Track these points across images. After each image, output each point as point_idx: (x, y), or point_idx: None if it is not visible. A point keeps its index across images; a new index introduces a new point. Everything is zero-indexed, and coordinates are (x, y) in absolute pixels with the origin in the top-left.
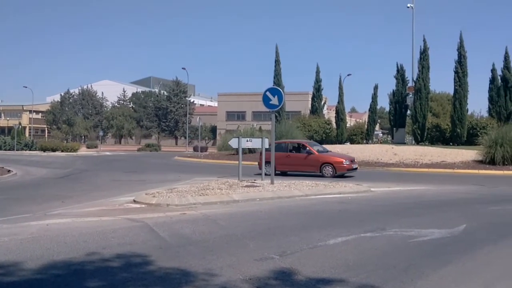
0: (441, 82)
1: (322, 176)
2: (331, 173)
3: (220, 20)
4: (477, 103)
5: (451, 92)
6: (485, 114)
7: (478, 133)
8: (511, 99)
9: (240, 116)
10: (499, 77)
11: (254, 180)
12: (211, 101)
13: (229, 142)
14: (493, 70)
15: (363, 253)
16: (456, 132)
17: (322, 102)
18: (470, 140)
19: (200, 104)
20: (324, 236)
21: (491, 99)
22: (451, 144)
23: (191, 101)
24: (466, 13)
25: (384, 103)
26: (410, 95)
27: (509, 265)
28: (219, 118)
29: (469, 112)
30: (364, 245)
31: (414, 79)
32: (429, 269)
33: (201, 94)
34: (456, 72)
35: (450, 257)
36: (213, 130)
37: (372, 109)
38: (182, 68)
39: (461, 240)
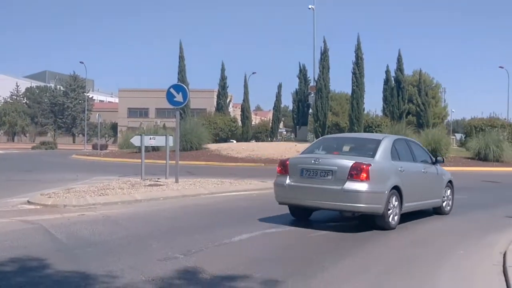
0: (341, 82)
1: None
2: None
3: (121, 13)
4: (373, 103)
5: (350, 92)
6: (380, 113)
7: (374, 131)
8: (403, 99)
9: (143, 113)
10: (392, 79)
11: (158, 178)
12: (112, 97)
13: (131, 140)
14: (387, 72)
15: (267, 248)
16: (354, 130)
17: (228, 100)
18: None
19: (100, 100)
20: (229, 233)
21: (385, 99)
22: None
23: (90, 96)
24: (364, 17)
25: (288, 102)
26: (312, 94)
27: (401, 256)
28: (120, 115)
29: (365, 111)
30: (268, 241)
31: (316, 79)
32: (328, 262)
33: (101, 90)
34: (353, 73)
35: (349, 249)
36: (114, 127)
37: (277, 108)
38: (80, 62)
39: (359, 233)
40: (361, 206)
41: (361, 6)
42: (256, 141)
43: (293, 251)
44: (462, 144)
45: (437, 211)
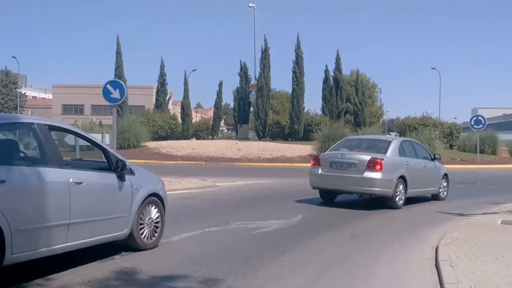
0: (282, 81)
1: None
2: None
3: (56, 6)
4: (313, 102)
5: (290, 90)
6: (319, 112)
7: (313, 129)
8: (342, 98)
9: (78, 109)
10: (331, 78)
11: None
12: (45, 93)
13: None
14: (326, 71)
15: (207, 247)
16: (294, 128)
17: (167, 97)
18: (306, 136)
19: (33, 96)
20: (168, 233)
21: (324, 98)
22: (289, 139)
23: (23, 92)
24: (304, 17)
25: (229, 100)
26: (253, 93)
27: (340, 252)
28: (54, 112)
29: (305, 110)
30: (208, 240)
31: (257, 77)
32: (268, 259)
33: (34, 86)
34: (294, 72)
35: (288, 246)
36: None
37: (218, 105)
38: (12, 57)
39: (298, 229)
40: (376, 189)
41: (301, 6)
42: (197, 139)
43: (234, 249)
44: None
45: (435, 197)
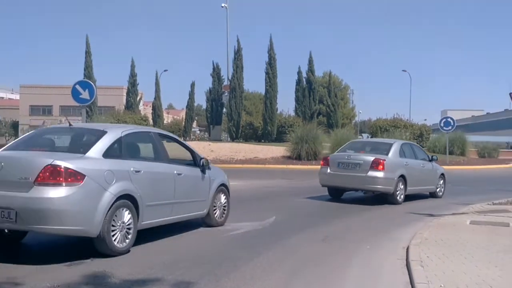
0: (255, 82)
1: None
2: None
3: (23, 6)
4: (286, 103)
5: (263, 91)
6: (293, 113)
7: (287, 131)
8: (315, 100)
9: (46, 110)
10: (304, 79)
11: None
12: (12, 93)
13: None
14: (299, 73)
15: (179, 250)
16: (267, 129)
17: (138, 98)
18: (279, 137)
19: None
20: (139, 236)
21: (297, 99)
22: (263, 141)
23: None
24: (277, 17)
25: (201, 101)
26: (226, 94)
27: (313, 253)
28: (21, 113)
29: (278, 111)
30: (180, 243)
31: (229, 78)
32: (242, 261)
33: (0, 86)
34: (267, 73)
35: (261, 248)
36: (15, 126)
37: (190, 106)
38: None
39: (271, 231)
40: (379, 187)
41: (274, 7)
42: None
43: (207, 252)
44: None
45: (433, 195)
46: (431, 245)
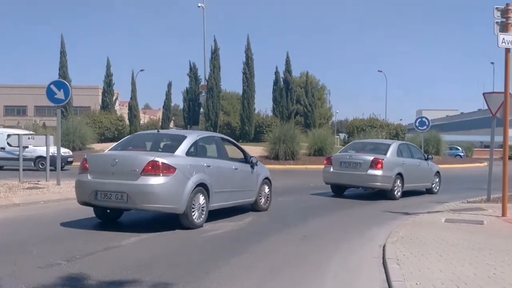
0: (232, 82)
1: None
2: None
3: None
4: (264, 103)
5: (241, 91)
6: (270, 113)
7: (264, 130)
8: (292, 100)
9: (21, 110)
10: (281, 80)
11: (38, 181)
12: None
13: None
14: (276, 73)
15: (157, 251)
16: (245, 129)
17: (114, 98)
18: (257, 137)
19: None
20: (116, 236)
21: (275, 100)
22: (241, 141)
23: None
24: (254, 17)
25: (178, 101)
26: (203, 94)
27: (291, 251)
28: None
29: (256, 111)
30: (158, 243)
31: (207, 78)
32: (221, 261)
33: None
34: (244, 73)
35: (239, 248)
36: None
37: (166, 106)
38: None
39: (250, 231)
40: (378, 184)
41: (251, 7)
42: None
43: (185, 252)
44: (345, 143)
45: (429, 191)
46: (407, 243)
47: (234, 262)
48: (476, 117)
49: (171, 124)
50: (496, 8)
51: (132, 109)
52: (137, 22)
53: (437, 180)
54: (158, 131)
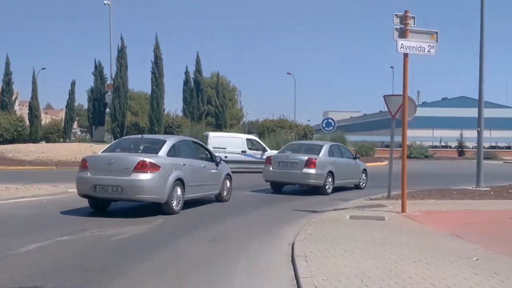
0: (141, 82)
1: None
2: None
3: None
4: (174, 103)
5: (150, 91)
6: (180, 114)
7: (174, 131)
8: (203, 101)
9: None
10: (192, 80)
11: None
12: None
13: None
14: (186, 73)
15: (60, 257)
16: (154, 130)
17: (13, 97)
18: None
19: None
20: (16, 243)
21: (185, 100)
22: None
23: None
24: (163, 17)
25: (82, 100)
26: (109, 93)
27: (201, 254)
28: None
29: (166, 112)
30: (60, 250)
31: (113, 77)
32: (126, 266)
33: None
34: (153, 73)
35: (147, 252)
36: None
37: (70, 106)
38: None
39: (159, 234)
40: (311, 181)
41: (160, 6)
42: (47, 142)
43: (89, 258)
44: None
45: (357, 187)
46: (315, 241)
47: (140, 268)
48: (377, 118)
49: (75, 125)
50: (396, 15)
51: (33, 109)
52: (39, 18)
53: (364, 176)
54: (142, 136)
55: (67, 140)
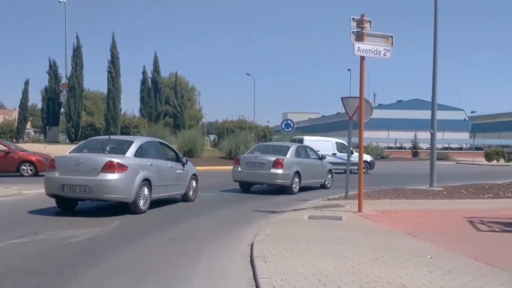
0: (97, 81)
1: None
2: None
3: None
4: (131, 103)
5: (106, 91)
6: (138, 114)
7: (131, 132)
8: (161, 101)
9: None
10: (149, 80)
11: None
12: None
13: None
14: (144, 73)
15: (12, 261)
16: (110, 131)
17: None
18: None
19: None
20: None
21: (142, 100)
22: None
23: None
24: (120, 16)
25: (36, 100)
26: (64, 92)
27: (159, 256)
28: None
29: (122, 112)
30: (13, 253)
31: (68, 76)
32: (83, 268)
33: None
34: (109, 72)
35: (104, 254)
36: None
37: (23, 106)
38: None
39: (115, 236)
40: (279, 181)
41: (116, 6)
42: None
43: (44, 261)
44: (215, 144)
45: (323, 186)
46: (273, 241)
47: (97, 270)
48: (335, 119)
49: (28, 125)
50: (353, 18)
51: None
52: None
53: (330, 177)
54: (109, 137)
55: (20, 140)
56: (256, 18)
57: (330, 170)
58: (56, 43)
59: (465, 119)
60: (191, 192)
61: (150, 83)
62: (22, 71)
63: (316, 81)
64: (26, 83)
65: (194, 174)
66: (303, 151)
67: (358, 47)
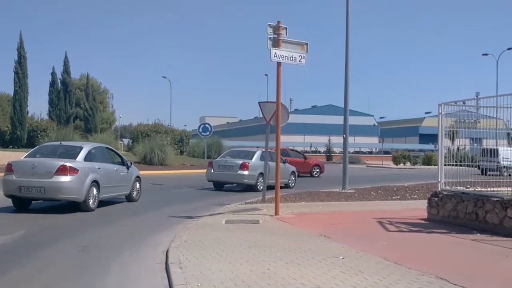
0: (3, 82)
1: None
2: None
3: None
4: (39, 106)
5: (12, 92)
6: (46, 117)
7: (39, 135)
8: (71, 103)
9: None
10: (59, 81)
11: None
12: None
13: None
14: (53, 74)
15: None
16: (17, 134)
17: None
18: (31, 143)
19: None
20: None
21: (51, 102)
22: (11, 146)
23: None
24: (28, 14)
25: None
26: None
27: (70, 264)
28: None
29: (30, 114)
30: None
31: None
32: None
33: None
34: (16, 73)
35: (10, 263)
36: None
37: None
38: None
39: (23, 244)
40: (245, 181)
41: (25, 2)
42: None
43: None
44: (129, 148)
45: (287, 186)
46: (190, 247)
47: (3, 281)
48: (253, 124)
49: None
50: (269, 25)
51: None
52: None
53: (293, 177)
54: (60, 143)
55: None
56: (171, 19)
57: (293, 172)
58: None
59: (374, 125)
60: (134, 193)
61: (59, 84)
62: None
63: (233, 85)
64: None
65: (137, 177)
66: (269, 156)
67: (275, 53)
